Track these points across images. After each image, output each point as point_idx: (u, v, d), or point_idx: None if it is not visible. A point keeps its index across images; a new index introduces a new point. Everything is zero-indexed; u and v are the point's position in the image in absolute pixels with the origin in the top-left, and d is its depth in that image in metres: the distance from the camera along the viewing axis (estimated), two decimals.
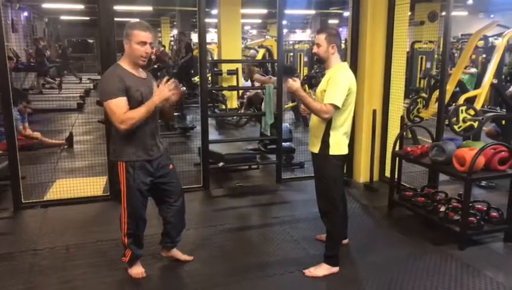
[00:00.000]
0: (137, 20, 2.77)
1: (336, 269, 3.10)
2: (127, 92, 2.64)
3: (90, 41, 23.50)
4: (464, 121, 4.64)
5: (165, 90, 2.64)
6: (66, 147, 6.60)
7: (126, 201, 2.84)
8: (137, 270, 3.05)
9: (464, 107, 4.68)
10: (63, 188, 4.60)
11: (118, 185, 2.89)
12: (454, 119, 4.57)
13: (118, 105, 2.60)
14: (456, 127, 4.61)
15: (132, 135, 2.71)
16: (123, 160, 2.77)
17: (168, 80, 2.68)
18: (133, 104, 2.66)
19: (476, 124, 4.59)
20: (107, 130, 4.41)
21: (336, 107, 2.87)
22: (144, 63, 2.75)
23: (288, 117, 8.62)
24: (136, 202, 2.85)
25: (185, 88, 9.21)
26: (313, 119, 3.09)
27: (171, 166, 3.03)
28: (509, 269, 3.22)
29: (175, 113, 4.57)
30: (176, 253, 3.27)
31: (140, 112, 2.62)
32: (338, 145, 2.99)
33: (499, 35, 6.67)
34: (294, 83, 2.90)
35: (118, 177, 2.83)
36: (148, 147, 2.82)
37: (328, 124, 2.97)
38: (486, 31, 6.35)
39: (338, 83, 2.88)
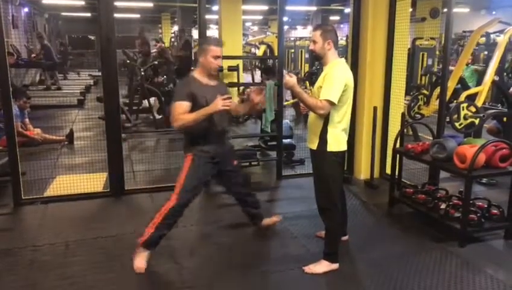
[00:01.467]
0: (212, 36, 3.03)
1: (335, 266, 3.09)
2: (193, 98, 3.03)
3: (91, 37, 23.46)
4: (465, 118, 4.63)
5: (218, 104, 2.93)
6: (66, 143, 6.60)
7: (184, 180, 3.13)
8: (141, 264, 3.08)
9: (465, 104, 4.67)
10: (63, 184, 4.60)
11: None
12: (456, 116, 4.56)
13: (178, 106, 3.02)
14: (457, 124, 4.60)
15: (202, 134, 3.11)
16: (190, 153, 3.16)
17: (226, 95, 2.98)
18: (198, 108, 3.02)
19: (477, 121, 4.58)
20: (108, 126, 4.42)
21: (332, 103, 2.86)
22: (216, 74, 3.20)
23: (288, 114, 8.61)
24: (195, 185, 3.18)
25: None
26: (311, 116, 3.08)
27: (235, 162, 3.44)
28: (509, 267, 3.21)
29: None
30: (266, 221, 3.69)
31: (190, 116, 3.00)
32: (336, 142, 2.99)
33: (501, 32, 6.65)
34: (291, 79, 2.89)
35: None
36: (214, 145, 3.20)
37: (326, 120, 2.96)
38: (488, 27, 6.32)
39: (334, 79, 2.88)
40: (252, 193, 3.63)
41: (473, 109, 4.65)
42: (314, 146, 3.02)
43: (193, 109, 3.03)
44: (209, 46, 3.10)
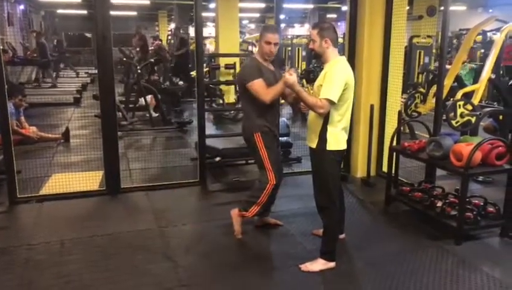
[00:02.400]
0: (271, 24, 3.13)
1: (332, 264, 3.09)
2: (262, 76, 3.24)
3: (88, 35, 23.35)
4: (462, 116, 4.63)
5: (292, 77, 2.97)
6: (62, 141, 6.57)
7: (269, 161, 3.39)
8: (240, 229, 3.54)
9: (461, 102, 4.67)
10: (58, 182, 4.57)
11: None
12: (452, 114, 4.56)
13: (259, 84, 3.22)
14: (453, 122, 4.60)
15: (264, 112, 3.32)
16: (257, 131, 3.36)
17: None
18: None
19: (473, 119, 4.58)
20: (104, 124, 4.40)
21: (332, 102, 2.84)
22: (271, 59, 3.38)
23: (285, 112, 8.59)
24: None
25: (181, 82, 9.17)
26: (311, 115, 3.06)
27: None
28: (505, 264, 3.22)
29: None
30: (269, 219, 3.82)
31: (276, 90, 3.19)
32: (336, 141, 2.97)
33: (497, 30, 6.66)
34: (290, 77, 2.88)
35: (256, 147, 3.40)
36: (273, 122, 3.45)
37: (326, 119, 2.94)
38: (485, 25, 6.33)
39: (334, 78, 2.86)
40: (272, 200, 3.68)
41: (469, 107, 4.65)
42: (314, 145, 3.02)
43: None
44: (264, 32, 3.33)
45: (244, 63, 3.67)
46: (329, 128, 2.95)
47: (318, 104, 2.84)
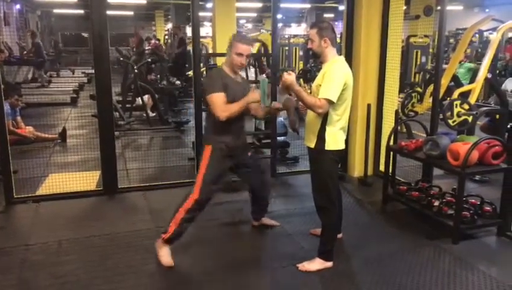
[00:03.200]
0: (242, 33, 3.01)
1: (329, 264, 3.09)
2: (225, 90, 3.06)
3: (85, 35, 23.30)
4: (459, 115, 4.64)
5: (255, 95, 3.08)
6: (59, 141, 6.56)
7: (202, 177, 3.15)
8: (169, 260, 3.12)
9: (458, 102, 4.68)
10: (55, 182, 4.56)
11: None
12: (449, 113, 4.57)
13: (218, 97, 3.03)
14: (450, 121, 4.61)
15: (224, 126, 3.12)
16: (210, 144, 3.18)
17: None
18: (227, 101, 3.07)
19: (470, 119, 4.59)
20: (101, 124, 4.39)
21: (331, 102, 2.84)
22: (239, 71, 3.26)
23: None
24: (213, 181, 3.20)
25: (179, 82, 9.16)
26: (309, 114, 3.06)
27: (249, 153, 3.49)
28: (502, 263, 3.23)
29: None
30: (265, 220, 3.74)
31: (235, 107, 3.05)
32: (334, 140, 2.97)
33: (494, 29, 6.67)
34: (289, 77, 2.87)
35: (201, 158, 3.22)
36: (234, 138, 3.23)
37: (324, 119, 2.94)
38: (481, 25, 6.35)
39: (333, 78, 2.85)
40: (268, 189, 3.62)
41: (466, 106, 4.66)
42: (312, 144, 3.02)
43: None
44: (235, 42, 3.09)
45: (209, 73, 3.56)
46: (328, 128, 2.94)
47: (317, 104, 2.83)
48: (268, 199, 3.66)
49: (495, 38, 5.71)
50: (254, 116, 3.61)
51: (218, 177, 3.21)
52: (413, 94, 6.26)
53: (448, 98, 5.35)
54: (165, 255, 3.14)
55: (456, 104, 4.63)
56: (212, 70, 3.39)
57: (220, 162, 3.17)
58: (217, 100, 3.02)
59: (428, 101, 6.31)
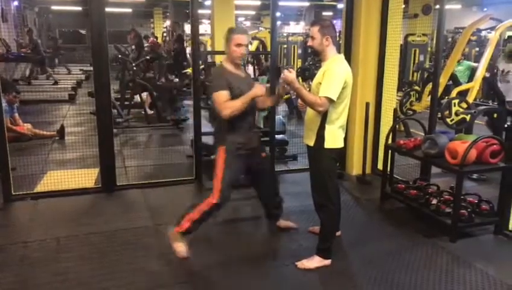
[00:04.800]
0: (238, 25, 2.98)
1: (328, 262, 3.10)
2: (229, 88, 3.03)
3: (82, 32, 23.20)
4: (457, 114, 4.66)
5: (259, 90, 3.01)
6: (57, 138, 6.54)
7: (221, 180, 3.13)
8: (183, 251, 3.12)
9: (456, 100, 4.70)
10: (54, 180, 4.55)
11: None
12: (447, 112, 4.58)
13: (221, 96, 3.01)
14: (448, 120, 4.63)
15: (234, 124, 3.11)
16: (224, 145, 3.14)
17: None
18: (233, 98, 3.04)
19: (468, 117, 4.61)
20: (99, 121, 4.38)
21: (331, 101, 2.84)
22: (241, 62, 3.21)
23: (281, 109, 8.60)
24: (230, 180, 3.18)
25: (177, 79, 9.14)
26: (308, 112, 3.07)
27: (263, 154, 3.45)
28: (499, 261, 3.25)
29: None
30: (281, 223, 3.67)
31: (237, 103, 3.01)
32: (333, 139, 2.98)
33: (492, 28, 6.69)
34: (290, 74, 2.87)
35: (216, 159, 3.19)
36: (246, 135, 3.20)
37: (324, 117, 2.94)
38: (479, 24, 6.37)
39: (333, 76, 2.86)
40: (278, 193, 3.60)
41: (464, 105, 4.68)
42: (312, 142, 3.02)
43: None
44: (231, 35, 3.09)
45: (212, 71, 3.45)
46: (327, 126, 2.95)
47: (317, 102, 2.84)
48: (279, 203, 3.60)
49: (493, 37, 5.74)
50: (262, 109, 3.58)
51: (236, 178, 3.20)
52: (411, 93, 6.28)
53: (447, 97, 5.37)
54: (180, 246, 3.13)
55: (455, 103, 4.65)
56: (214, 69, 3.34)
57: (235, 162, 3.14)
58: (219, 98, 3.01)
59: (426, 99, 6.34)
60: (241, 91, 3.05)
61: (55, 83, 11.83)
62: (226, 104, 3.00)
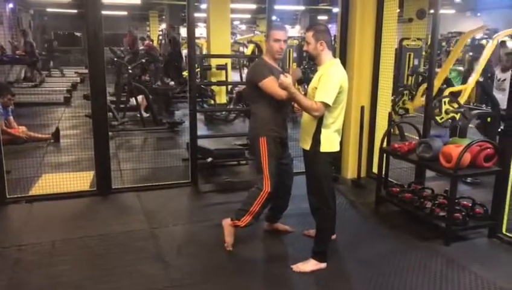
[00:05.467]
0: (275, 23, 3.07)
1: (323, 265, 3.11)
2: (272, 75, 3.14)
3: (78, 34, 23.14)
4: (447, 112, 4.70)
5: (285, 79, 2.95)
6: (52, 141, 6.52)
7: (268, 168, 3.24)
8: (231, 241, 3.35)
9: (447, 99, 4.73)
10: (49, 182, 4.53)
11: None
12: (437, 110, 4.62)
13: (271, 82, 3.11)
14: (438, 118, 4.66)
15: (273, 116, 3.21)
16: (264, 135, 3.23)
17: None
18: None
19: (458, 117, 4.66)
20: (95, 124, 4.38)
21: (327, 105, 2.86)
22: (280, 57, 3.29)
23: None
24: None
25: (173, 82, 9.15)
26: (305, 116, 3.09)
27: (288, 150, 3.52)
28: (493, 264, 3.27)
29: None
30: (278, 225, 3.71)
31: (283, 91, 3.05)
32: (329, 143, 3.00)
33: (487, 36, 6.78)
34: (286, 79, 2.89)
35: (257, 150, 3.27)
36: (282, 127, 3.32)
37: (319, 121, 2.96)
38: (476, 33, 6.49)
39: (329, 81, 2.88)
40: (289, 193, 3.58)
41: (455, 105, 4.73)
42: (308, 146, 3.04)
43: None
44: (270, 31, 3.30)
45: (252, 64, 3.59)
46: (323, 130, 2.97)
47: (313, 106, 2.86)
48: (287, 202, 3.59)
49: (491, 45, 5.81)
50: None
51: (277, 166, 3.29)
52: (405, 92, 6.36)
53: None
54: (231, 236, 3.35)
55: (445, 102, 4.68)
56: (255, 62, 3.50)
57: (276, 150, 3.27)
58: (272, 84, 3.10)
59: (419, 99, 6.40)
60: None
61: (36, 86, 11.67)
62: (279, 90, 3.04)
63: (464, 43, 6.41)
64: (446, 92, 5.44)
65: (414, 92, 7.05)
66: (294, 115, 7.67)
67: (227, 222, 3.37)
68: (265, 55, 3.35)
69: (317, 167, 3.04)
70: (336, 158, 3.18)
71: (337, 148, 3.07)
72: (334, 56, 3.17)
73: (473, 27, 7.30)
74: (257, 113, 3.28)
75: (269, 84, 3.12)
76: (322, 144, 2.98)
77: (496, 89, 5.23)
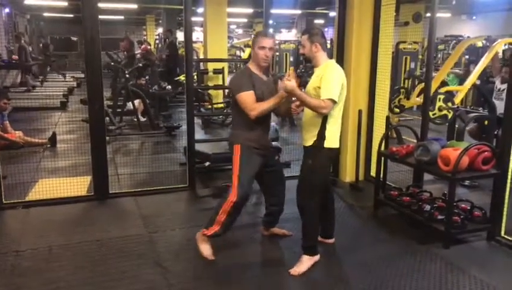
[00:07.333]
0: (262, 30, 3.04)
1: (317, 258, 3.16)
2: (253, 89, 3.09)
3: (74, 38, 23.12)
4: (440, 109, 4.72)
5: (289, 85, 2.90)
6: (49, 146, 6.48)
7: (238, 176, 3.17)
8: (209, 252, 3.25)
9: (442, 96, 4.75)
10: (45, 188, 4.51)
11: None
12: (430, 106, 4.64)
13: (248, 96, 3.06)
14: (430, 113, 4.68)
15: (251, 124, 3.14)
16: (239, 143, 3.18)
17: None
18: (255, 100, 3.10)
19: (450, 115, 4.67)
20: (91, 129, 4.36)
21: (334, 102, 2.94)
22: (266, 65, 3.19)
23: (274, 117, 8.61)
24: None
25: (169, 86, 9.14)
26: (307, 115, 3.14)
27: (276, 157, 3.46)
28: (492, 267, 3.27)
29: None
30: (276, 230, 3.66)
31: (265, 105, 3.06)
32: (333, 138, 3.08)
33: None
34: (289, 83, 2.92)
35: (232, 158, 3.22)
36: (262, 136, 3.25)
37: (324, 118, 3.03)
38: (475, 41, 6.59)
39: (332, 79, 2.96)
40: (282, 198, 3.54)
41: (449, 104, 4.75)
42: (311, 142, 3.08)
43: None
44: (256, 38, 3.18)
45: (235, 73, 3.53)
46: (328, 126, 3.05)
47: (322, 104, 2.92)
48: (282, 207, 3.56)
49: (492, 51, 5.86)
50: (277, 113, 3.60)
51: (252, 176, 3.22)
52: (401, 90, 6.42)
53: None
54: (206, 249, 3.24)
55: (440, 98, 4.70)
56: (238, 70, 3.44)
57: (251, 159, 3.18)
58: (247, 99, 3.06)
59: (415, 98, 6.45)
60: (262, 93, 3.11)
61: (28, 90, 11.60)
62: (255, 105, 3.04)
63: (461, 51, 6.48)
64: (442, 90, 5.49)
65: (411, 93, 7.12)
66: (293, 118, 7.69)
67: (198, 235, 3.32)
68: (250, 63, 3.25)
69: (316, 160, 3.09)
70: (336, 156, 3.21)
71: (338, 145, 3.16)
72: (331, 58, 3.22)
73: (468, 30, 7.37)
74: (236, 120, 3.26)
75: (244, 99, 3.06)
76: (326, 139, 3.05)
77: (495, 98, 5.28)
